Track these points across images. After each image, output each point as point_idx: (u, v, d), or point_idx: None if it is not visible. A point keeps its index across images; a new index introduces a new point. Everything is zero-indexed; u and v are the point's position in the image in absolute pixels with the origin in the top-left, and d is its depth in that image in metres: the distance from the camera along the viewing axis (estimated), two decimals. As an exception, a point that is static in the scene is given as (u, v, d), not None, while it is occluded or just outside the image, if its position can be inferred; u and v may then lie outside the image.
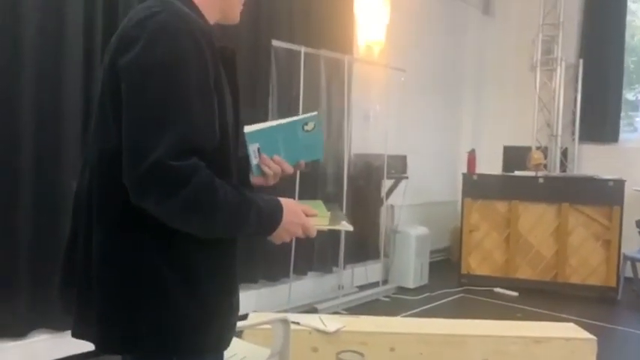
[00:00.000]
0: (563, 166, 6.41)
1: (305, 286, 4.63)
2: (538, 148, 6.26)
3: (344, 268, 4.89)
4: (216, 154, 1.13)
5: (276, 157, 1.33)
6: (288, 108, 4.35)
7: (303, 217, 1.26)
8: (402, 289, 5.22)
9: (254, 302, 4.14)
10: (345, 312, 4.43)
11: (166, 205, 1.05)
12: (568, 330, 3.16)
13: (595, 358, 2.93)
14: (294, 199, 1.23)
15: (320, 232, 1.31)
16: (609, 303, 5.09)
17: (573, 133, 6.55)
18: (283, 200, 1.24)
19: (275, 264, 4.37)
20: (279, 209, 1.22)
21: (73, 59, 3.08)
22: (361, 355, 2.47)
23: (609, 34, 6.41)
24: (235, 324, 1.28)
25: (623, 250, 5.20)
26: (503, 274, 5.48)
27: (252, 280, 4.25)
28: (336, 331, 2.87)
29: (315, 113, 1.37)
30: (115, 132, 1.11)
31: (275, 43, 4.24)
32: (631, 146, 6.35)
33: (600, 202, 5.23)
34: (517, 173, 5.68)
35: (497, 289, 5.31)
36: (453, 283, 5.49)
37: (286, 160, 1.34)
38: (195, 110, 1.09)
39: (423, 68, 6.11)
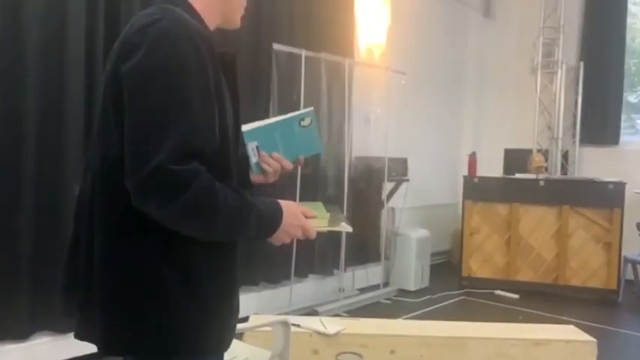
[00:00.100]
0: (563, 169, 6.41)
1: (306, 288, 4.64)
2: (539, 150, 6.27)
3: (345, 270, 4.90)
4: (217, 158, 1.14)
5: (275, 154, 1.34)
6: (289, 111, 4.32)
7: (303, 218, 1.28)
8: (402, 292, 5.22)
9: (255, 305, 4.15)
10: (345, 314, 4.44)
11: (168, 209, 1.07)
12: (568, 332, 3.17)
13: (595, 360, 2.94)
14: (295, 201, 1.24)
15: (320, 234, 1.32)
16: (610, 305, 5.09)
17: (574, 136, 6.55)
18: (283, 202, 1.26)
19: (276, 266, 4.38)
20: (278, 211, 1.23)
21: (74, 64, 3.10)
22: (360, 356, 2.48)
23: (610, 37, 6.41)
24: (235, 326, 1.29)
25: (623, 253, 5.20)
26: (503, 276, 5.48)
27: (253, 282, 4.26)
28: (337, 334, 2.88)
29: (310, 109, 1.39)
30: (117, 138, 1.13)
31: (276, 46, 4.25)
32: (631, 149, 6.35)
33: (601, 204, 5.24)
34: (518, 176, 5.68)
35: (498, 292, 5.32)
36: (453, 285, 5.49)
37: (285, 156, 1.35)
38: (195, 114, 1.10)
39: (424, 71, 6.13)
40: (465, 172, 5.77)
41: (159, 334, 1.14)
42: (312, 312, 4.34)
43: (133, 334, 1.14)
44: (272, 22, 4.36)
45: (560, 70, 6.41)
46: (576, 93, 6.53)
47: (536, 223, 5.43)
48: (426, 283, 5.43)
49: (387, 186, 5.38)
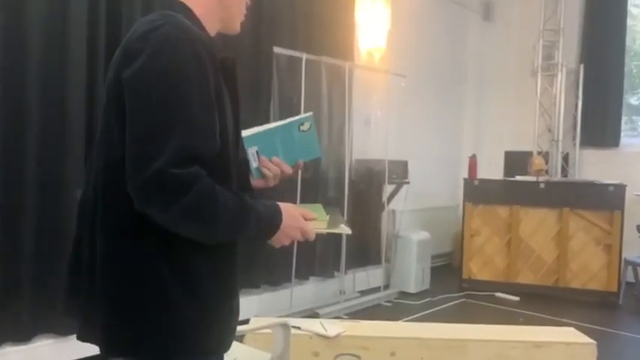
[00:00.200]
0: (564, 171, 6.41)
1: (307, 291, 4.65)
2: (539, 153, 6.27)
3: (345, 273, 4.90)
4: (217, 161, 1.15)
5: (275, 159, 1.36)
6: (289, 114, 4.34)
7: (302, 220, 1.29)
8: (403, 294, 5.22)
9: (256, 307, 4.16)
10: (346, 317, 4.44)
11: (169, 213, 1.08)
12: (568, 334, 3.17)
13: (595, 362, 2.95)
14: (296, 203, 1.26)
15: (320, 236, 1.33)
16: (610, 308, 5.09)
17: (574, 138, 6.55)
18: (282, 205, 1.27)
19: (277, 269, 4.39)
20: (278, 214, 1.25)
21: (76, 65, 3.11)
22: (358, 357, 2.49)
23: (610, 39, 6.42)
24: (235, 328, 1.30)
25: (624, 255, 5.20)
26: (504, 278, 5.49)
27: (254, 285, 4.26)
28: (337, 336, 2.89)
29: (310, 113, 1.40)
30: (119, 142, 1.14)
31: (276, 49, 4.27)
32: (632, 151, 6.35)
33: (601, 206, 5.24)
34: (518, 178, 5.68)
35: (499, 294, 5.32)
36: (454, 287, 5.50)
37: (285, 161, 1.37)
38: (196, 118, 1.11)
39: (424, 74, 6.14)
40: (466, 175, 5.77)
41: (159, 335, 1.15)
42: (312, 314, 4.35)
43: (133, 335, 1.15)
44: (272, 25, 4.38)
45: (560, 72, 6.41)
46: (576, 95, 6.54)
47: (537, 225, 5.43)
48: (426, 286, 5.44)
49: (388, 188, 5.39)
